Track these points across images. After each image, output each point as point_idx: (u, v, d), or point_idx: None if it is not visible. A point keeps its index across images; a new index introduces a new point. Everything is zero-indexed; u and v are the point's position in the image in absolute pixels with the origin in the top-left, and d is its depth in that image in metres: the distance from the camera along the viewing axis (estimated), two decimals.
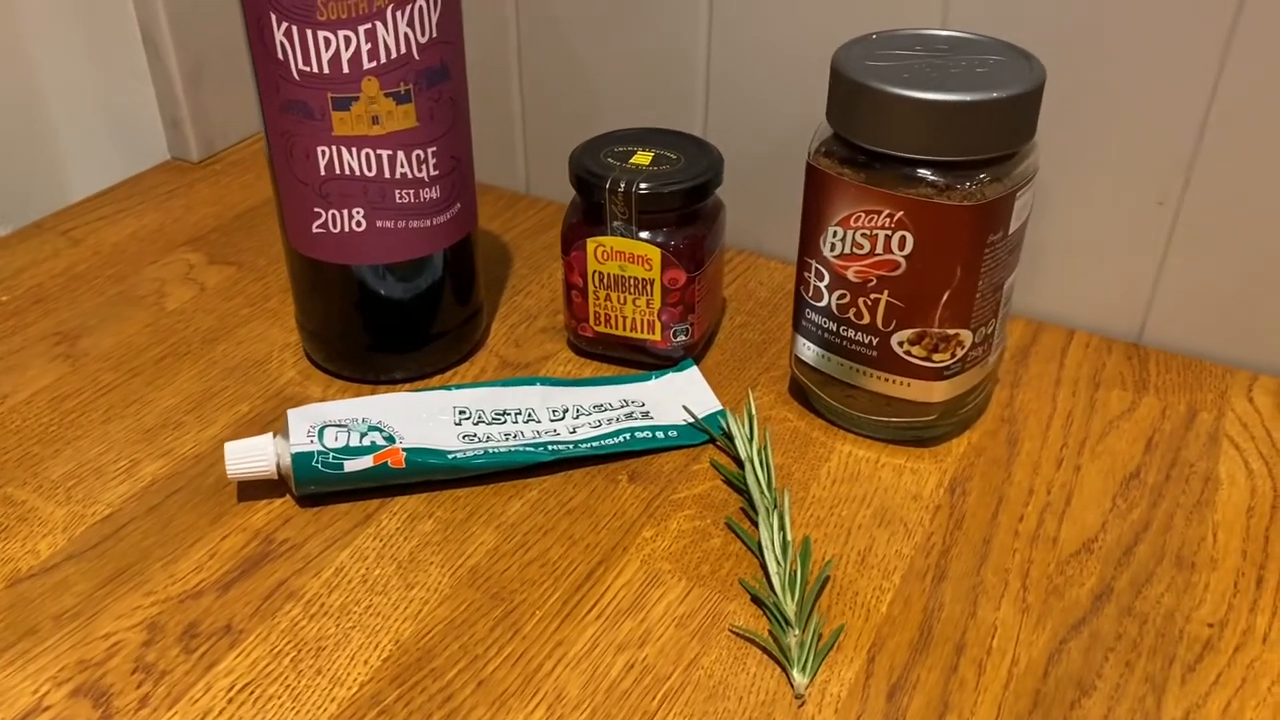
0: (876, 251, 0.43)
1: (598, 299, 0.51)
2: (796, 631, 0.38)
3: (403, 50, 0.43)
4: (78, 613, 0.40)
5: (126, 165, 0.71)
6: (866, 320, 0.45)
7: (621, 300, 0.51)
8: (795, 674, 0.37)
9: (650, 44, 0.60)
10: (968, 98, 0.40)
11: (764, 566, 0.41)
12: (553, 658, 0.38)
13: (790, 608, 0.39)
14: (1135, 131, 0.51)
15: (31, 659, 0.38)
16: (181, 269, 0.61)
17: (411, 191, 0.47)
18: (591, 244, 0.50)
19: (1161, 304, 0.54)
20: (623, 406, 0.49)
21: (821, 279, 0.46)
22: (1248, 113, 0.49)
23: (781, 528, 0.42)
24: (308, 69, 0.43)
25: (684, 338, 0.51)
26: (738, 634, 0.39)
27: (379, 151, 0.45)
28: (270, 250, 0.62)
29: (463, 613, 0.40)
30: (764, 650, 0.38)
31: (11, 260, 0.61)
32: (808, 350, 0.48)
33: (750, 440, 0.46)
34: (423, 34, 0.44)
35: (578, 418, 0.48)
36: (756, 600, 0.40)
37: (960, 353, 0.45)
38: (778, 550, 0.41)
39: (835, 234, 0.44)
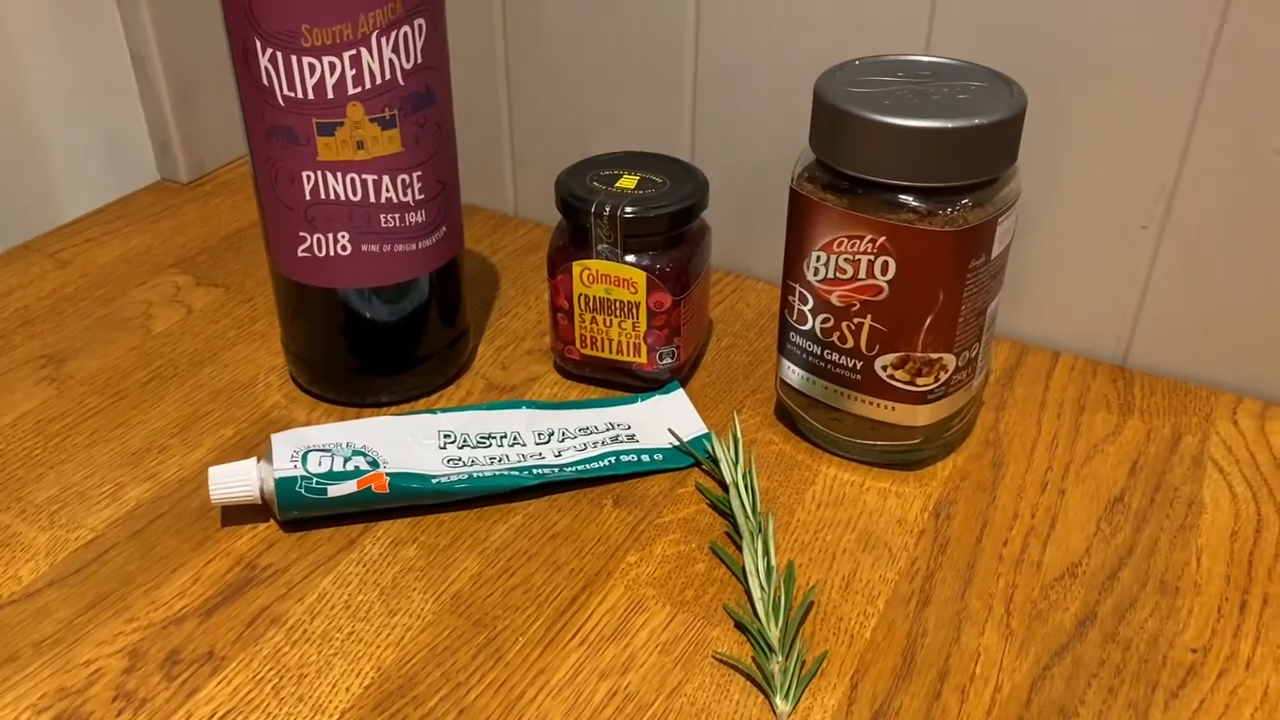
0: (859, 276, 0.43)
1: (584, 322, 0.51)
2: (780, 658, 0.38)
3: (388, 76, 0.44)
4: (59, 639, 0.40)
5: (115, 186, 0.71)
6: (850, 344, 0.45)
7: (607, 323, 0.51)
8: (778, 701, 0.37)
9: (637, 68, 0.61)
10: (949, 124, 0.40)
11: (748, 592, 0.41)
12: (535, 685, 0.38)
13: (774, 634, 0.39)
14: (1118, 156, 0.51)
15: (11, 686, 0.38)
16: (169, 291, 0.61)
17: (397, 215, 0.47)
18: (577, 267, 0.50)
19: (1146, 327, 0.54)
20: (608, 429, 0.49)
21: (805, 303, 0.46)
22: (1229, 136, 0.49)
23: (766, 553, 0.42)
24: (293, 95, 0.43)
25: (670, 360, 0.51)
26: (721, 660, 0.39)
27: (364, 176, 0.45)
28: (258, 272, 0.62)
29: (445, 639, 0.40)
30: (747, 677, 0.38)
31: None
32: (793, 373, 0.48)
33: (735, 464, 0.46)
34: (408, 60, 0.44)
35: (563, 441, 0.48)
36: (740, 626, 0.40)
37: (944, 377, 0.45)
38: (762, 576, 0.41)
39: (819, 259, 0.44)
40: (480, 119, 0.67)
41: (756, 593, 0.40)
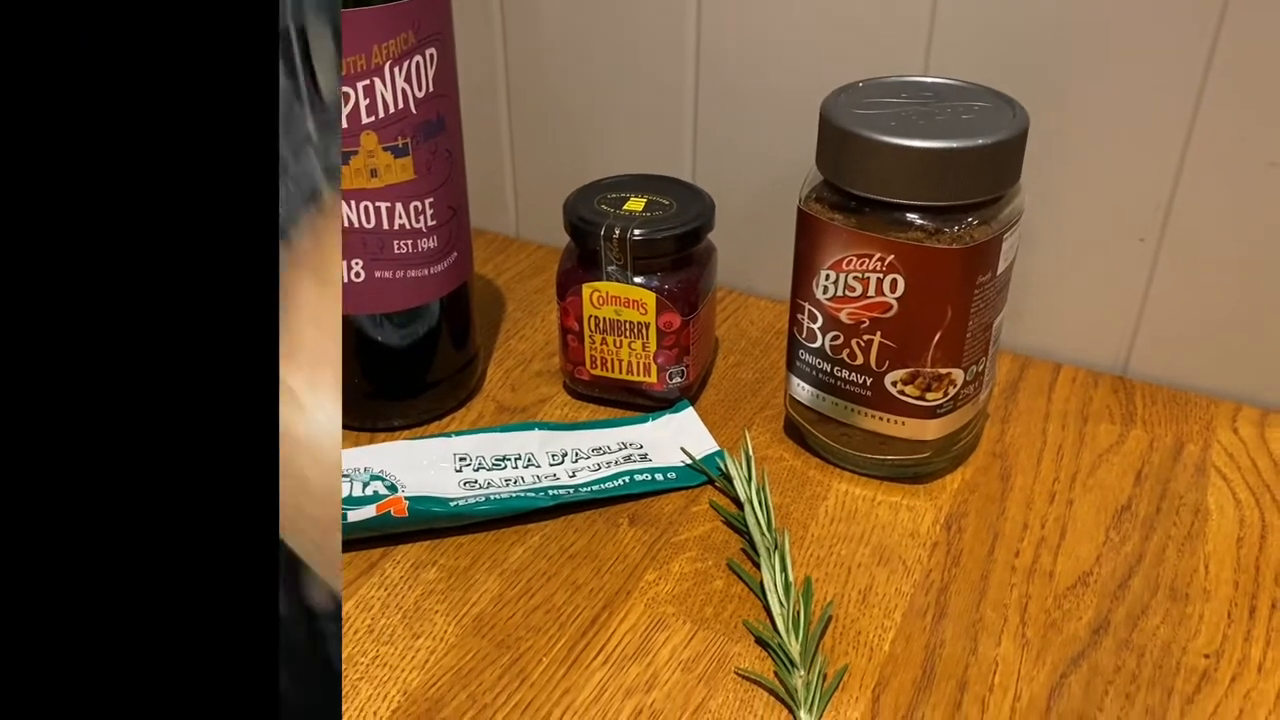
0: (868, 294, 0.44)
1: (594, 343, 0.52)
2: (802, 672, 0.39)
3: (400, 105, 0.44)
4: None
5: None
6: (860, 361, 0.46)
7: (617, 344, 0.51)
8: (802, 715, 0.38)
9: (638, 90, 0.61)
10: (954, 145, 0.41)
11: (767, 608, 0.41)
12: (560, 705, 0.38)
13: (795, 649, 0.39)
14: (1116, 171, 0.52)
15: None
16: None
17: (410, 242, 0.47)
18: (587, 289, 0.50)
19: (1145, 337, 0.55)
20: (621, 449, 0.50)
21: (815, 321, 0.47)
22: (1224, 150, 0.50)
23: (783, 569, 0.42)
24: None
25: (679, 379, 0.52)
26: (744, 676, 0.39)
27: (377, 204, 0.46)
28: None
29: (469, 661, 0.40)
30: (771, 692, 0.39)
31: None
32: (802, 390, 0.49)
33: (749, 481, 0.47)
34: (420, 89, 0.45)
35: (577, 461, 0.49)
36: (761, 642, 0.41)
37: (952, 391, 0.46)
38: (780, 591, 0.41)
39: (828, 277, 0.45)
40: (482, 141, 0.67)
41: (776, 608, 0.41)
